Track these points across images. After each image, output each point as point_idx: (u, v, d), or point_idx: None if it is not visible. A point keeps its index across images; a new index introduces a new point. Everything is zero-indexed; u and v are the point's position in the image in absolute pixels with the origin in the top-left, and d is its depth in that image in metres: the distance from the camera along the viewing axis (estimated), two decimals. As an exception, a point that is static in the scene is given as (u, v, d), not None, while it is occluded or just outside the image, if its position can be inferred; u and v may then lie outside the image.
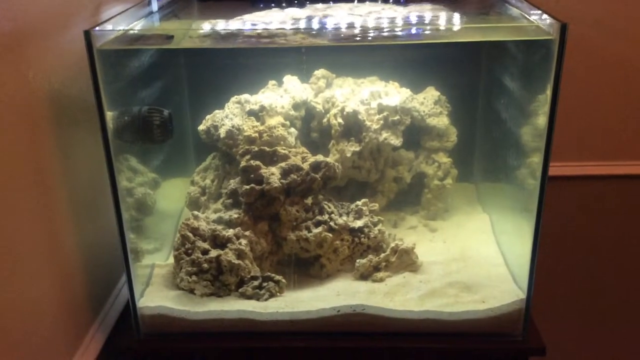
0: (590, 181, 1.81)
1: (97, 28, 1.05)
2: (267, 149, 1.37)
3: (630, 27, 1.62)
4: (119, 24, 1.14)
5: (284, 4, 1.46)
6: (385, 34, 1.15)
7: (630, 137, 1.76)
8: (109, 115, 1.11)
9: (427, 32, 1.20)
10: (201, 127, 1.49)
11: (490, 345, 1.23)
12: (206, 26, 1.25)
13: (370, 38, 1.15)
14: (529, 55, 1.25)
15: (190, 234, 1.30)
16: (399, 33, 1.17)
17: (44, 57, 1.08)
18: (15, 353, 1.00)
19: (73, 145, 1.21)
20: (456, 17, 1.33)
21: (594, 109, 1.72)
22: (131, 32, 1.15)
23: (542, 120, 1.13)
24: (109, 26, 1.11)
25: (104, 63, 1.06)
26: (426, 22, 1.26)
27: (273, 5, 1.46)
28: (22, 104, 1.02)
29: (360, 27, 1.18)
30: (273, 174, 1.33)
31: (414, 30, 1.20)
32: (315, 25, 1.24)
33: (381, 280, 1.32)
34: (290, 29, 1.19)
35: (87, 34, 1.01)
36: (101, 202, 1.28)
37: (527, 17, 1.19)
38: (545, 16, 1.09)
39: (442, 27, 1.24)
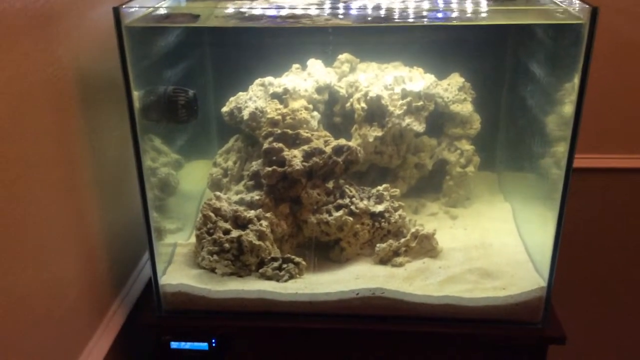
0: (614, 174, 1.79)
1: (125, 5, 1.06)
2: (289, 131, 1.37)
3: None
4: (147, 2, 1.15)
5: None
6: (412, 16, 1.15)
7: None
8: (135, 94, 1.12)
9: (453, 14, 1.19)
10: (225, 109, 1.50)
11: (510, 332, 1.23)
12: (232, 6, 1.25)
13: (396, 20, 1.14)
14: (557, 41, 1.24)
15: (212, 214, 1.31)
16: (425, 14, 1.16)
17: (72, 34, 1.10)
18: (38, 326, 1.02)
19: (99, 123, 1.23)
20: (483, 0, 1.31)
21: (622, 100, 1.69)
22: (159, 10, 1.16)
23: (568, 108, 1.12)
24: (137, 4, 1.12)
25: (131, 41, 1.07)
26: (453, 3, 1.25)
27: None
28: (50, 81, 1.03)
29: (386, 8, 1.17)
30: (295, 157, 1.33)
31: (440, 14, 1.19)
32: (340, 6, 1.23)
33: (401, 265, 1.32)
34: (316, 10, 1.19)
35: (116, 11, 1.03)
36: (126, 181, 1.30)
37: (556, 1, 1.17)
38: (575, 0, 1.07)
39: (469, 10, 1.22)
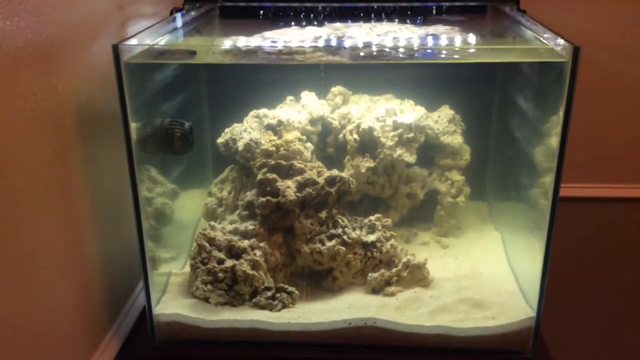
0: (603, 203, 1.82)
1: (125, 42, 1.10)
2: (283, 162, 1.40)
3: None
4: (145, 39, 1.19)
5: (303, 23, 1.50)
6: (402, 54, 1.19)
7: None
8: (133, 126, 1.15)
9: (442, 52, 1.23)
10: (220, 140, 1.53)
11: (500, 361, 1.24)
12: (228, 43, 1.29)
13: (387, 57, 1.18)
14: (542, 77, 1.28)
15: (206, 244, 1.33)
16: (416, 53, 1.20)
17: (72, 68, 1.13)
18: (33, 355, 1.03)
19: (97, 155, 1.25)
20: (471, 38, 1.36)
21: (607, 131, 1.73)
22: (156, 46, 1.19)
23: (554, 140, 1.15)
24: (135, 41, 1.15)
25: (130, 76, 1.10)
26: (442, 43, 1.29)
27: (293, 23, 1.50)
28: (50, 114, 1.06)
29: (378, 46, 1.21)
30: (289, 187, 1.36)
31: (430, 51, 1.23)
32: (333, 43, 1.27)
33: (392, 294, 1.34)
34: (310, 47, 1.23)
35: (115, 48, 1.06)
36: (122, 211, 1.31)
37: (541, 39, 1.22)
38: (558, 39, 1.12)
39: (457, 48, 1.27)
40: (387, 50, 1.16)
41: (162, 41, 1.24)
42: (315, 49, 1.21)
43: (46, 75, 1.04)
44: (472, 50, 1.23)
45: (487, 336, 1.23)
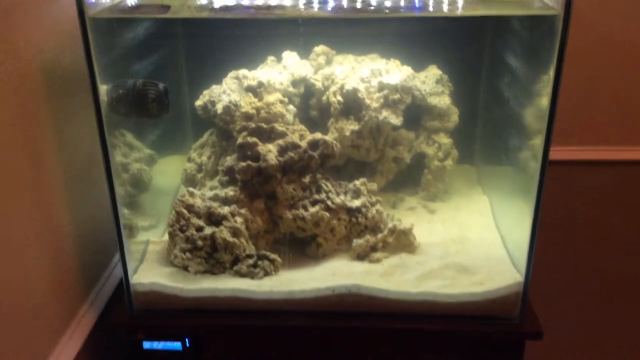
0: (592, 166, 1.79)
1: (90, -4, 1.03)
2: (264, 125, 1.35)
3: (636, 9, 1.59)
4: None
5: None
6: (388, 7, 1.12)
7: (633, 122, 1.73)
8: (103, 88, 1.09)
9: (429, 5, 1.17)
10: (198, 103, 1.47)
11: (487, 328, 1.22)
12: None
13: (371, 11, 1.12)
14: (533, 33, 1.22)
15: (185, 211, 1.28)
16: (401, 5, 1.14)
17: (35, 25, 1.06)
18: (4, 327, 0.99)
19: (67, 117, 1.19)
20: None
21: (598, 92, 1.69)
22: (127, 0, 1.12)
23: (545, 101, 1.11)
24: (102, -6, 1.08)
25: (97, 32, 1.03)
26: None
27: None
28: (12, 74, 1.00)
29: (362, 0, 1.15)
30: (270, 152, 1.31)
31: (416, 3, 1.17)
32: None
33: (378, 260, 1.31)
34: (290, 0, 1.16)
35: (79, 2, 0.99)
36: (97, 177, 1.26)
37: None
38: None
39: (445, 1, 1.21)
40: (372, 3, 1.10)
41: (132, -5, 1.17)
42: (296, 2, 1.14)
43: (6, 33, 0.97)
44: (460, 3, 1.17)
45: (475, 302, 1.21)
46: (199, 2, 1.19)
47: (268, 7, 1.13)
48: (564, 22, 0.98)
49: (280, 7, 1.13)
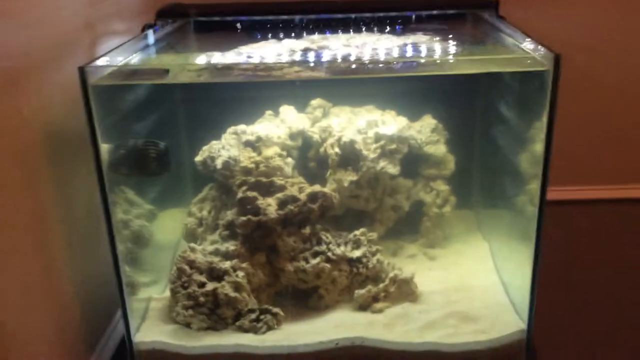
0: (590, 205, 1.81)
1: (91, 64, 1.05)
2: (263, 179, 1.37)
3: (623, 55, 1.63)
4: (115, 59, 1.15)
5: (280, 35, 1.47)
6: (381, 66, 1.16)
7: (626, 160, 1.75)
8: (105, 148, 1.11)
9: (422, 64, 1.21)
10: (198, 158, 1.48)
11: (492, 377, 1.21)
12: (202, 59, 1.25)
13: (366, 70, 1.15)
14: (524, 84, 1.26)
15: (186, 267, 1.29)
16: (395, 65, 1.17)
17: (39, 92, 1.09)
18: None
19: (70, 178, 1.21)
20: (451, 47, 1.33)
21: (591, 133, 1.72)
22: (126, 67, 1.15)
23: (539, 147, 1.13)
24: (104, 61, 1.11)
25: (99, 98, 1.06)
26: (422, 54, 1.26)
27: (270, 36, 1.46)
28: (17, 140, 1.02)
29: (357, 59, 1.19)
30: (270, 205, 1.32)
31: (409, 62, 1.21)
32: (311, 57, 1.24)
33: (380, 311, 1.31)
34: (287, 62, 1.20)
35: (82, 71, 1.02)
36: (98, 235, 1.27)
37: (521, 46, 1.19)
38: (539, 47, 1.09)
39: (437, 60, 1.24)
40: (366, 63, 1.14)
41: (133, 60, 1.20)
42: (292, 63, 1.18)
43: (11, 100, 1.00)
44: (452, 62, 1.21)
45: (479, 351, 1.20)
46: (196, 66, 1.22)
47: (265, 68, 1.16)
48: (553, 77, 1.01)
49: (277, 67, 1.16)
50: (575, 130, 1.69)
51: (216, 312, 1.25)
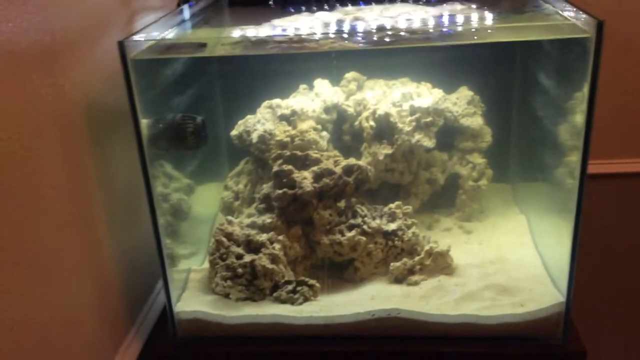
0: (631, 179, 1.77)
1: (130, 38, 1.07)
2: (299, 153, 1.37)
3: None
4: (152, 33, 1.16)
5: (314, 8, 1.46)
6: (417, 36, 1.14)
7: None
8: (144, 123, 1.13)
9: (459, 32, 1.18)
10: (234, 133, 1.50)
11: (529, 349, 1.20)
12: (237, 33, 1.26)
13: (401, 41, 1.14)
14: (565, 53, 1.22)
15: (224, 239, 1.31)
16: (431, 35, 1.15)
17: (79, 67, 1.11)
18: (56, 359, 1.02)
19: (110, 153, 1.23)
20: (489, 16, 1.31)
21: (630, 104, 1.67)
22: (164, 41, 1.16)
23: (579, 118, 1.10)
24: (142, 36, 1.13)
25: (137, 72, 1.07)
26: (458, 22, 1.24)
27: (303, 9, 1.46)
28: (59, 115, 1.04)
29: (391, 29, 1.17)
30: (305, 178, 1.33)
31: (445, 32, 1.19)
32: (345, 29, 1.23)
33: (416, 283, 1.31)
34: (321, 34, 1.19)
35: (121, 45, 1.03)
36: (138, 208, 1.30)
37: (562, 14, 1.16)
38: (581, 14, 1.06)
39: (474, 28, 1.22)
40: (402, 33, 1.12)
41: (170, 35, 1.21)
42: (326, 36, 1.17)
43: (53, 75, 1.02)
44: (490, 30, 1.18)
45: (515, 323, 1.20)
46: (232, 39, 1.23)
47: (300, 40, 1.15)
48: (596, 45, 0.98)
49: (312, 39, 1.16)
50: (615, 101, 1.65)
51: (254, 283, 1.27)
